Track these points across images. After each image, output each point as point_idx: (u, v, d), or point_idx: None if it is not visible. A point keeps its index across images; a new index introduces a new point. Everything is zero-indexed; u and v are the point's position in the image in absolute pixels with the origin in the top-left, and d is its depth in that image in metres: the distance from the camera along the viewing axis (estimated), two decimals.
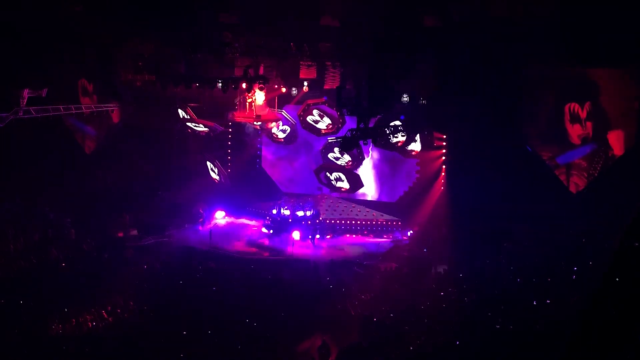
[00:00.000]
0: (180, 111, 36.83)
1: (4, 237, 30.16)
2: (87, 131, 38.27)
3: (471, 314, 22.89)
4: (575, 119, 31.24)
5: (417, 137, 34.27)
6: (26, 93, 30.49)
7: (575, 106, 31.16)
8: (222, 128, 37.75)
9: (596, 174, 31.18)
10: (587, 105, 30.79)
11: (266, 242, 33.87)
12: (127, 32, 32.17)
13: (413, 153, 34.89)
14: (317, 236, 34.22)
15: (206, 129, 37.25)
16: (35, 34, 31.89)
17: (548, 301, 22.75)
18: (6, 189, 33.84)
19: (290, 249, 32.25)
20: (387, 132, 31.40)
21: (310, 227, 34.12)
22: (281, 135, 37.36)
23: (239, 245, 33.46)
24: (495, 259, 28.19)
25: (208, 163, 38.25)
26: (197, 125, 37.14)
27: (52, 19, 31.06)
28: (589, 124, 31.07)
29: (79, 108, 34.82)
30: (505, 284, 25.19)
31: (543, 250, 27.96)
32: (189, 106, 36.87)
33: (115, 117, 37.77)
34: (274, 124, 36.69)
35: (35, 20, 31.18)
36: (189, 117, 36.87)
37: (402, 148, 34.71)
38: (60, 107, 32.87)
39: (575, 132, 31.35)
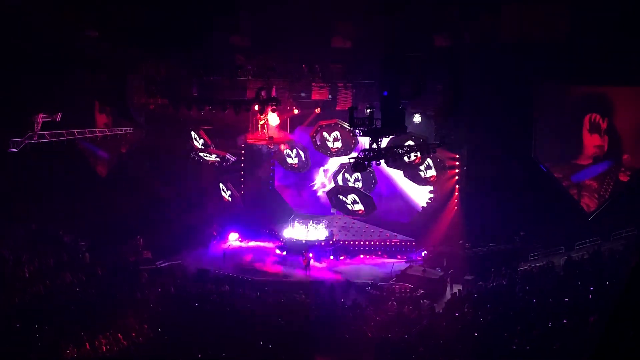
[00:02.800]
0: (192, 133, 36.97)
1: (18, 261, 30.24)
2: (100, 155, 38.47)
3: (487, 335, 22.71)
4: (594, 128, 31.19)
5: (432, 164, 34.24)
6: (40, 118, 30.71)
7: (596, 117, 31.10)
8: (234, 158, 37.88)
9: (607, 195, 31.08)
10: (607, 119, 30.78)
11: (280, 263, 33.83)
12: (140, 57, 32.40)
13: (431, 179, 34.78)
14: (331, 257, 34.25)
15: (218, 159, 37.36)
16: (50, 60, 32.18)
17: (565, 321, 22.56)
18: (21, 214, 33.96)
19: (304, 271, 32.23)
20: (400, 151, 31.39)
21: (322, 248, 34.15)
22: (294, 162, 37.40)
23: (253, 267, 33.40)
24: (511, 279, 28.00)
25: (220, 184, 38.29)
26: (208, 155, 37.25)
27: (66, 44, 31.35)
28: (606, 137, 31.01)
29: (93, 132, 35.04)
30: (521, 305, 24.98)
31: (558, 270, 27.76)
32: (202, 128, 37.00)
33: (129, 141, 37.98)
34: (286, 149, 36.77)
35: (50, 46, 31.48)
36: (201, 140, 36.96)
37: (417, 175, 34.71)
38: (75, 131, 33.08)
39: (592, 142, 31.28)
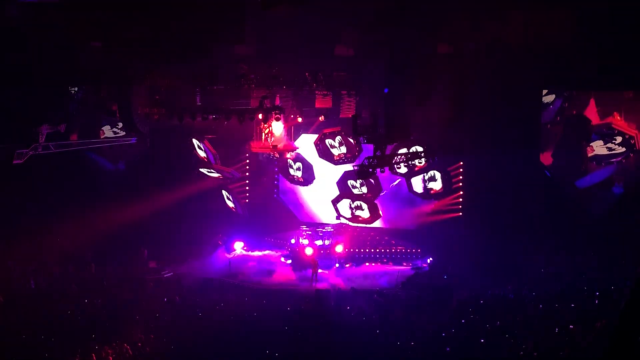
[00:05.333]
0: (197, 143, 37.03)
1: (24, 273, 30.29)
2: (105, 165, 38.51)
3: (494, 341, 22.67)
4: (602, 136, 31.39)
5: (438, 176, 34.15)
6: (45, 129, 30.77)
7: (604, 125, 31.34)
8: (239, 175, 37.99)
9: (610, 201, 31.17)
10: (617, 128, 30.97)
11: (285, 272, 33.83)
12: (144, 67, 32.42)
13: (432, 192, 34.69)
14: (337, 265, 34.26)
15: (221, 175, 37.45)
16: (53, 70, 32.22)
17: (571, 327, 22.52)
18: (26, 224, 34.00)
19: (311, 280, 32.27)
20: (404, 158, 31.39)
21: (328, 257, 34.16)
22: (298, 175, 37.41)
23: (259, 276, 33.41)
24: (517, 286, 27.96)
25: (223, 192, 38.31)
26: (213, 172, 37.35)
27: (69, 55, 31.37)
28: (611, 145, 31.17)
29: (98, 143, 35.08)
30: (527, 311, 24.96)
31: (564, 275, 27.73)
32: (206, 138, 37.07)
33: (133, 151, 38.06)
34: (289, 160, 36.79)
35: (52, 57, 31.51)
36: (205, 149, 37.01)
37: (419, 187, 34.65)
38: (79, 142, 33.13)
39: (595, 150, 31.46)
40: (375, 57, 30.50)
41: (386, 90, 28.03)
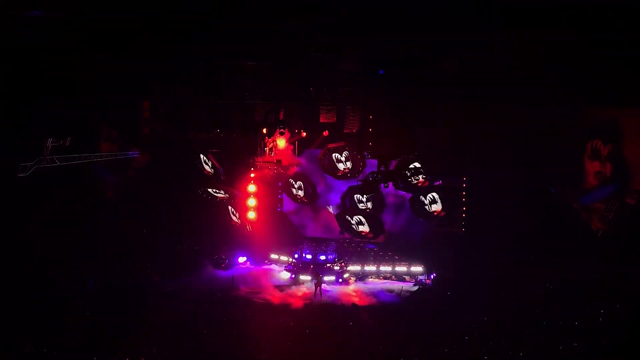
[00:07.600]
0: (201, 157, 37.06)
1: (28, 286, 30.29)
2: (108, 179, 38.55)
3: (498, 358, 22.62)
4: (595, 155, 31.18)
5: (438, 198, 33.97)
6: (50, 142, 30.82)
7: (597, 143, 31.13)
8: (242, 194, 38.09)
9: (611, 216, 31.03)
10: (609, 146, 30.76)
11: (288, 286, 33.81)
12: (150, 80, 32.58)
13: (435, 214, 34.56)
14: (340, 280, 34.23)
15: (227, 195, 37.47)
16: (59, 83, 32.39)
17: (575, 344, 22.47)
18: (30, 239, 34.01)
19: (314, 296, 32.24)
20: (408, 174, 31.39)
21: (330, 271, 34.15)
22: (302, 195, 37.35)
23: (262, 291, 33.33)
24: (520, 302, 27.89)
25: (229, 207, 38.32)
26: (217, 191, 37.36)
27: (76, 69, 31.56)
28: (608, 164, 31.02)
29: (102, 156, 35.14)
30: (531, 327, 24.90)
31: (569, 293, 27.67)
32: (210, 152, 37.10)
33: (137, 164, 38.08)
34: (292, 180, 36.84)
35: (59, 71, 31.68)
36: (210, 163, 37.04)
37: (426, 212, 34.49)
38: (83, 155, 33.17)
39: (593, 168, 31.31)
40: (381, 73, 30.65)
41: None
